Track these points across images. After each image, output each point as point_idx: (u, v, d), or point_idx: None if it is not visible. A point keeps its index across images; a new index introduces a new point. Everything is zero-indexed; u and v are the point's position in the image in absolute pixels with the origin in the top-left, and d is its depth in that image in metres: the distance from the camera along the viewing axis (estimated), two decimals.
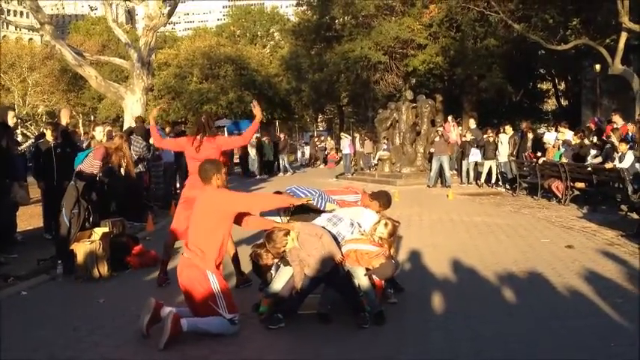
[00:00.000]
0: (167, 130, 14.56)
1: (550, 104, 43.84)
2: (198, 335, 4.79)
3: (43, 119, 53.93)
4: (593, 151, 13.15)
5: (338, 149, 33.37)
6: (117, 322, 5.38)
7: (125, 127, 15.30)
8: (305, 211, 5.71)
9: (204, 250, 4.96)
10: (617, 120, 13.69)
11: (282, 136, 28.86)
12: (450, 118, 20.71)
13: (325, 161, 32.22)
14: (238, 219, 5.25)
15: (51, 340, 4.93)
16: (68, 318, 5.54)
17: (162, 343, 4.58)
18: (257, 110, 6.82)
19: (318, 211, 5.69)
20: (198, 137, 6.51)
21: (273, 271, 5.49)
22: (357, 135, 26.01)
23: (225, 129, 37.20)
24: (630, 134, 12.69)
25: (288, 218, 5.66)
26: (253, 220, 5.37)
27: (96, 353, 4.63)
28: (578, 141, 13.98)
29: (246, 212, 5.32)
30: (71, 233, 7.09)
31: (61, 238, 7.14)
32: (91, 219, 7.41)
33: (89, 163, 7.67)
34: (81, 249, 6.80)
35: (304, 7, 38.53)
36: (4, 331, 5.12)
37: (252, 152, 24.57)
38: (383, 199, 6.23)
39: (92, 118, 53.89)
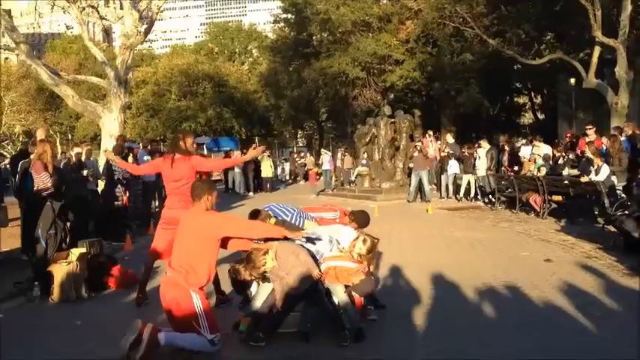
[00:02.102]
0: (148, 147, 14.50)
1: (527, 118, 44.39)
2: (176, 352, 4.75)
3: (20, 139, 53.40)
4: (567, 166, 13.32)
5: (318, 165, 33.41)
6: (95, 343, 5.31)
7: (102, 146, 15.23)
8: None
9: (190, 270, 4.90)
10: (591, 134, 13.89)
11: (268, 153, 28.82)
12: (428, 132, 20.84)
13: (306, 177, 32.19)
14: (223, 241, 5.18)
15: None
16: (46, 341, 5.45)
17: (138, 356, 4.52)
18: (254, 152, 6.83)
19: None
20: (172, 156, 6.46)
21: (252, 289, 5.46)
22: (338, 150, 26.02)
23: (205, 146, 37.11)
24: (604, 148, 12.88)
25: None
26: (233, 241, 5.29)
27: None
28: (557, 154, 14.12)
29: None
30: (48, 254, 6.99)
31: (38, 260, 7.05)
32: (67, 239, 7.32)
33: (38, 181, 7.80)
34: (58, 270, 6.71)
35: (282, 24, 38.80)
36: None
37: (237, 170, 24.43)
38: (361, 219, 6.25)
39: (70, 137, 53.51)
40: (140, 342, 4.60)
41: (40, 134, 9.81)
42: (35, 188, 7.80)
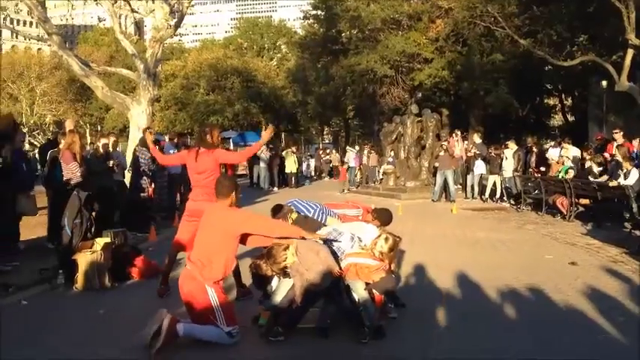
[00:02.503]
0: (175, 140, 14.61)
1: (557, 120, 43.81)
2: (194, 345, 4.80)
3: (51, 128, 54.25)
4: (597, 168, 13.13)
5: (343, 162, 33.37)
6: (117, 332, 5.37)
7: (130, 138, 15.38)
8: (305, 224, 5.73)
9: (207, 263, 4.96)
10: (618, 138, 13.69)
11: (293, 148, 28.81)
12: (455, 132, 20.70)
13: (330, 174, 32.19)
14: (242, 238, 5.24)
15: (51, 350, 4.93)
16: (68, 328, 5.54)
17: (156, 347, 4.59)
18: (267, 134, 6.85)
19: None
20: (197, 149, 6.54)
21: (273, 284, 5.48)
22: (364, 148, 25.96)
23: (231, 140, 37.33)
24: (636, 151, 12.68)
25: None
26: (253, 237, 5.33)
27: None
28: (587, 157, 13.93)
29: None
30: (73, 243, 7.10)
31: (63, 248, 7.16)
32: (93, 229, 7.42)
33: (67, 171, 7.94)
34: (83, 259, 6.81)
35: (311, 21, 38.81)
36: (3, 339, 5.12)
37: (262, 165, 24.56)
38: (383, 217, 6.24)
39: (99, 128, 54.19)
40: (160, 332, 4.66)
41: (69, 124, 9.97)
42: (65, 178, 7.92)
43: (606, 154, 13.58)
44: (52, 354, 4.84)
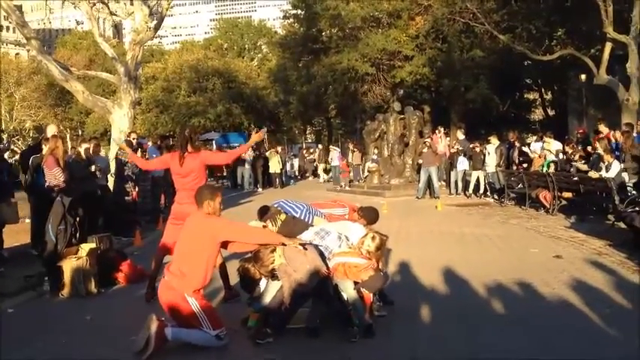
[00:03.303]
0: (158, 143, 14.52)
1: (537, 114, 44.11)
2: (185, 349, 4.80)
3: (31, 134, 53.73)
4: (580, 162, 13.27)
5: (326, 161, 33.33)
6: (105, 338, 5.34)
7: (112, 141, 15.26)
8: (293, 225, 5.72)
9: (186, 273, 4.96)
10: (603, 129, 13.82)
11: (279, 148, 28.74)
12: (438, 129, 20.77)
13: (315, 174, 32.14)
14: (224, 243, 5.24)
15: (39, 356, 4.91)
16: (56, 335, 5.49)
17: (147, 354, 4.61)
18: (257, 137, 6.84)
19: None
20: (181, 152, 6.50)
21: (261, 285, 5.47)
22: (347, 146, 25.95)
23: (214, 142, 37.17)
24: (615, 142, 12.81)
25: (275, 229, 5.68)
26: (237, 244, 5.34)
27: None
28: (570, 150, 14.05)
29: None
30: (58, 249, 7.03)
31: (48, 255, 7.09)
32: (77, 235, 7.35)
33: (50, 177, 7.88)
34: (68, 265, 6.75)
35: (291, 20, 38.70)
36: None
37: (246, 166, 24.49)
38: (370, 215, 6.25)
39: (80, 132, 53.76)
40: (150, 339, 4.65)
41: (50, 130, 9.87)
42: (47, 184, 7.86)
43: (589, 148, 13.70)
44: None
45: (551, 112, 39.20)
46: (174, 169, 6.55)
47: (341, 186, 21.85)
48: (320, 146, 34.19)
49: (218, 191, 5.45)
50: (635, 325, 5.17)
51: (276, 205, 5.97)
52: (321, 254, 5.27)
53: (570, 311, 5.69)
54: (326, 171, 29.27)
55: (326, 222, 5.94)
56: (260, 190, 23.61)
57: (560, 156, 14.75)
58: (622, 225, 9.32)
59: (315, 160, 33.38)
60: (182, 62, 49.92)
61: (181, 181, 6.51)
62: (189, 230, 5.18)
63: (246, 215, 10.85)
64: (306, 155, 34.73)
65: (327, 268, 5.20)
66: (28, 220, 11.99)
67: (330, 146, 32.50)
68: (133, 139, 12.59)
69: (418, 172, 18.53)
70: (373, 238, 5.50)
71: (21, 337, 5.49)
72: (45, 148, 9.13)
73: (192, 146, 6.51)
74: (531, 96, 41.71)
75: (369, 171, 21.02)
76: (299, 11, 35.29)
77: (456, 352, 4.75)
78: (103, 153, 13.40)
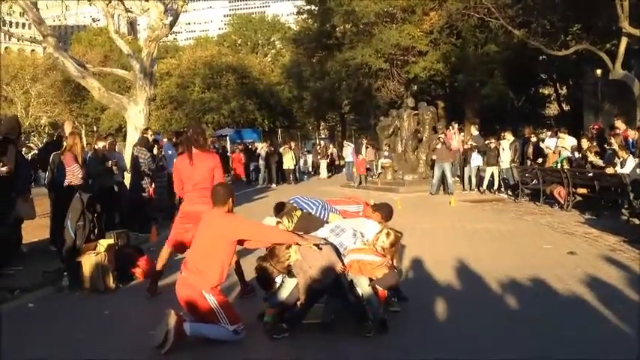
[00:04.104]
0: (174, 139, 14.61)
1: (552, 109, 43.90)
2: (203, 343, 4.90)
3: (46, 130, 54.17)
4: (595, 157, 13.20)
5: (340, 157, 33.34)
6: (123, 332, 5.45)
7: (128, 138, 15.38)
8: (309, 221, 5.79)
9: (203, 270, 5.05)
10: (620, 125, 13.75)
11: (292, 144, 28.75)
12: (452, 124, 20.74)
13: (316, 171, 32.01)
14: (240, 240, 5.33)
15: (58, 351, 5.00)
16: (76, 329, 5.60)
17: (166, 348, 4.71)
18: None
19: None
20: (189, 153, 6.53)
21: (277, 282, 5.54)
22: (361, 142, 25.94)
23: (228, 138, 37.30)
24: (631, 140, 12.75)
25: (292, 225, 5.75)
26: (253, 241, 5.44)
27: None
28: (586, 146, 13.99)
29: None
30: (77, 245, 7.15)
31: (67, 250, 7.21)
32: (96, 231, 7.47)
33: (69, 173, 8.00)
34: (87, 261, 6.87)
35: (305, 16, 38.76)
36: (12, 342, 5.19)
37: (260, 162, 24.65)
38: (385, 212, 6.29)
39: (95, 128, 54.15)
40: (169, 333, 4.74)
41: (67, 127, 10.00)
42: (66, 180, 7.98)
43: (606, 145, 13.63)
44: (60, 356, 4.89)
45: (566, 108, 38.98)
46: (185, 172, 6.55)
47: (357, 183, 21.70)
48: (322, 142, 34.07)
49: (233, 190, 5.54)
50: None
51: (292, 202, 6.03)
52: (336, 250, 5.33)
53: (584, 307, 5.71)
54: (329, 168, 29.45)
55: (341, 218, 5.99)
56: (274, 186, 23.70)
57: (575, 154, 14.68)
58: (636, 221, 9.32)
59: (327, 156, 33.21)
60: (196, 58, 50.09)
61: (191, 182, 6.52)
62: (206, 228, 5.26)
63: (260, 211, 10.93)
64: (320, 151, 34.69)
65: (342, 264, 5.26)
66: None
67: (345, 142, 32.56)
68: (150, 135, 12.70)
69: (432, 168, 18.52)
70: (388, 234, 5.56)
71: (41, 331, 5.61)
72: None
73: (197, 146, 6.53)
74: (546, 91, 41.55)
75: (382, 167, 21.04)
76: (313, 7, 35.33)
77: (469, 347, 4.79)
78: (118, 149, 13.54)
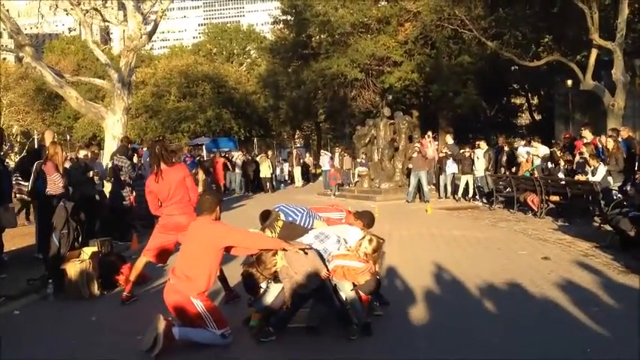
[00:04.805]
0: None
1: (524, 118, 44.63)
2: (191, 348, 5.00)
3: (18, 139, 53.51)
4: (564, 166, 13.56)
5: (317, 165, 33.47)
6: (110, 338, 5.51)
7: (106, 147, 15.38)
8: (292, 230, 5.93)
9: (191, 276, 5.16)
10: (587, 135, 14.12)
11: (269, 153, 28.82)
12: (427, 133, 21.04)
13: (306, 178, 32.17)
14: (226, 247, 5.44)
15: (48, 356, 5.07)
16: (63, 335, 5.66)
17: (155, 352, 4.80)
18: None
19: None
20: (156, 170, 6.63)
21: (263, 286, 5.66)
22: (336, 151, 26.12)
23: (204, 147, 37.23)
24: (600, 147, 13.10)
25: (275, 235, 5.87)
26: (240, 248, 5.56)
27: None
28: (559, 153, 14.31)
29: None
30: (61, 253, 7.20)
31: (52, 258, 7.26)
32: (80, 239, 7.52)
33: (51, 182, 8.06)
34: (71, 268, 6.91)
35: (281, 26, 38.89)
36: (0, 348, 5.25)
37: (237, 171, 24.71)
38: (367, 219, 6.47)
39: (68, 137, 53.57)
40: (158, 338, 4.84)
41: (48, 137, 10.02)
42: (47, 189, 8.04)
43: (576, 153, 13.99)
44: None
45: (537, 117, 39.70)
46: (158, 189, 6.63)
47: (332, 192, 21.81)
48: (295, 151, 34.12)
49: (220, 198, 5.68)
50: (621, 322, 5.42)
51: (277, 209, 6.16)
52: (321, 257, 5.48)
53: (559, 310, 5.91)
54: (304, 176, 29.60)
55: (325, 225, 6.13)
56: (251, 194, 23.75)
57: (549, 163, 15.01)
58: (608, 227, 9.58)
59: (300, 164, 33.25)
60: (172, 67, 49.99)
61: (165, 195, 6.61)
62: (194, 236, 5.38)
63: (239, 219, 11.05)
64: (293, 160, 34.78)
65: (327, 269, 5.41)
66: (26, 224, 12.18)
67: (321, 150, 32.71)
68: (129, 143, 12.73)
69: (408, 176, 18.74)
70: (370, 240, 5.72)
71: (28, 338, 5.65)
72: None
73: (165, 162, 6.63)
74: (518, 101, 42.23)
75: (359, 175, 21.22)
76: (289, 17, 35.50)
77: (449, 348, 4.96)
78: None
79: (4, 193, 8.57)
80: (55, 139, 9.76)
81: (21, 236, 11.03)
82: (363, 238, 5.76)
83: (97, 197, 10.64)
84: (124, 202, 11.55)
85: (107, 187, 12.07)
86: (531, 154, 15.92)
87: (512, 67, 29.45)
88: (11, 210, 8.97)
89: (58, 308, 6.68)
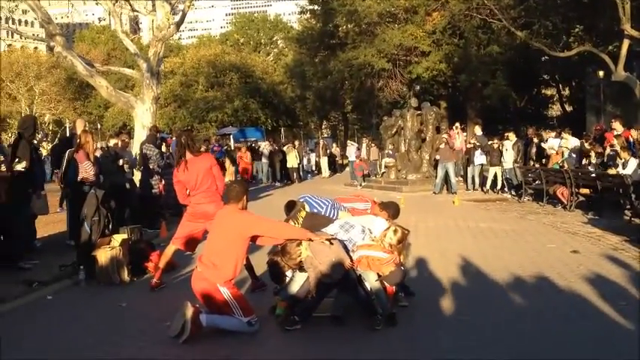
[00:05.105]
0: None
1: (555, 110, 44.04)
2: (218, 334, 5.07)
3: (50, 127, 54.35)
4: (595, 159, 13.37)
5: (344, 156, 33.44)
6: (139, 324, 5.63)
7: (135, 136, 15.56)
8: (315, 220, 5.95)
9: (217, 264, 5.23)
10: (617, 127, 13.90)
11: (296, 143, 28.90)
12: (455, 124, 20.90)
13: (333, 168, 32.19)
14: (253, 237, 5.50)
15: (78, 341, 5.18)
16: (94, 320, 5.79)
17: (183, 338, 4.90)
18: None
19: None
20: (182, 159, 6.75)
21: (288, 276, 5.70)
22: (363, 141, 26.09)
23: (232, 136, 37.43)
24: (632, 140, 12.89)
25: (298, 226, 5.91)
26: (262, 238, 5.60)
27: (121, 354, 4.86)
28: (588, 146, 14.13)
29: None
30: (92, 240, 7.34)
31: (83, 245, 7.41)
32: (110, 226, 7.66)
33: (82, 170, 8.20)
34: (102, 255, 7.05)
35: (308, 15, 38.87)
36: (34, 332, 5.39)
37: (264, 161, 24.86)
38: (392, 210, 6.45)
39: (99, 126, 54.26)
40: (186, 324, 4.92)
41: (79, 125, 10.18)
42: (79, 177, 8.17)
43: (606, 145, 13.79)
44: (80, 346, 5.07)
45: (568, 108, 39.14)
46: (183, 178, 6.76)
47: (359, 183, 21.81)
48: (322, 141, 34.16)
49: (247, 188, 5.72)
50: None
51: (302, 200, 6.19)
52: (345, 247, 5.50)
53: (587, 304, 5.85)
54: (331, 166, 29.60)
55: (350, 216, 6.14)
56: (278, 184, 23.86)
57: (573, 155, 14.82)
58: (638, 221, 9.46)
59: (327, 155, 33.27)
60: (200, 57, 50.29)
61: (193, 185, 6.73)
62: (221, 224, 5.43)
63: (265, 209, 11.12)
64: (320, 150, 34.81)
65: (351, 260, 5.43)
66: (59, 211, 12.41)
67: (348, 141, 32.68)
68: (158, 132, 12.85)
69: (435, 167, 18.66)
70: (395, 231, 5.72)
71: (60, 322, 5.79)
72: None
73: (190, 152, 6.75)
74: (549, 92, 41.65)
75: (386, 166, 21.18)
76: (316, 7, 35.46)
77: (474, 341, 4.94)
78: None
79: (37, 181, 8.75)
80: (87, 128, 9.88)
81: (53, 223, 11.27)
82: (388, 228, 5.76)
83: (127, 186, 10.77)
84: (152, 191, 11.71)
85: (137, 176, 12.22)
86: (561, 146, 15.73)
87: (543, 58, 29.03)
88: (44, 197, 9.15)
89: (89, 294, 6.84)
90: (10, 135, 32.83)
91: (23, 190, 7.98)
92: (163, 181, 12.10)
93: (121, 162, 10.42)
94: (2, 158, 7.61)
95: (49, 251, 8.93)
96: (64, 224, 10.48)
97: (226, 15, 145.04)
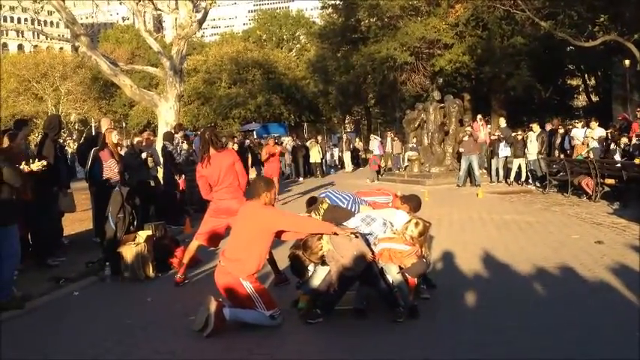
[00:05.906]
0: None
1: (580, 100, 43.49)
2: (241, 328, 5.14)
3: (76, 127, 55.09)
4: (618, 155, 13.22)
5: (367, 150, 33.40)
6: (165, 318, 5.72)
7: (158, 134, 15.70)
8: (336, 212, 5.98)
9: (241, 259, 5.28)
10: None
11: (319, 138, 28.97)
12: (479, 117, 20.75)
13: (355, 162, 32.20)
14: (277, 233, 5.54)
15: (105, 335, 5.28)
16: (120, 315, 5.89)
17: (207, 332, 4.97)
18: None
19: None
20: (205, 155, 6.83)
21: (310, 269, 5.74)
22: (387, 135, 26.03)
23: (255, 132, 37.60)
24: None
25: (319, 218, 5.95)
26: (287, 233, 5.64)
27: (147, 348, 4.94)
28: (615, 136, 13.96)
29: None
30: (117, 236, 7.47)
31: (109, 242, 7.53)
32: (135, 222, 7.78)
33: (107, 168, 8.33)
34: (127, 251, 7.17)
35: (330, 10, 38.82)
36: (62, 328, 5.50)
37: (287, 155, 24.94)
38: (413, 203, 6.46)
39: (124, 125, 54.84)
40: (209, 318, 4.99)
41: (104, 124, 10.32)
42: (104, 175, 8.33)
43: (631, 135, 13.62)
44: (107, 340, 5.17)
45: (594, 99, 38.62)
46: (206, 173, 6.84)
47: (371, 179, 21.70)
48: (345, 136, 34.14)
49: (272, 183, 5.76)
50: None
51: (323, 196, 6.22)
52: (366, 241, 5.53)
53: (611, 294, 5.81)
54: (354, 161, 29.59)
55: (371, 210, 6.17)
56: (301, 179, 23.93)
57: (597, 144, 14.64)
58: None
59: (356, 149, 33.26)
60: (222, 54, 50.58)
61: (215, 180, 6.80)
62: (245, 219, 5.49)
63: (288, 204, 11.17)
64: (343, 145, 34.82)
65: (372, 253, 5.45)
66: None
67: (371, 135, 32.63)
68: (181, 135, 12.94)
69: (458, 160, 18.57)
70: (417, 224, 5.72)
71: (87, 317, 5.91)
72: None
73: (214, 147, 6.82)
74: (574, 82, 41.12)
75: (409, 159, 21.13)
76: (337, 1, 35.40)
77: (497, 333, 4.93)
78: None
79: (63, 179, 8.89)
80: (110, 127, 10.02)
81: (80, 221, 11.46)
82: (409, 221, 5.77)
83: (152, 183, 10.91)
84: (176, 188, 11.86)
85: (160, 173, 12.36)
86: (587, 136, 15.55)
87: (568, 48, 28.67)
88: (70, 195, 9.30)
89: (115, 290, 6.97)
90: (37, 135, 33.36)
91: (49, 188, 8.11)
92: (182, 177, 12.24)
93: (144, 155, 10.52)
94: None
95: (75, 248, 9.12)
96: (89, 222, 10.65)
97: (249, 12, 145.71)
